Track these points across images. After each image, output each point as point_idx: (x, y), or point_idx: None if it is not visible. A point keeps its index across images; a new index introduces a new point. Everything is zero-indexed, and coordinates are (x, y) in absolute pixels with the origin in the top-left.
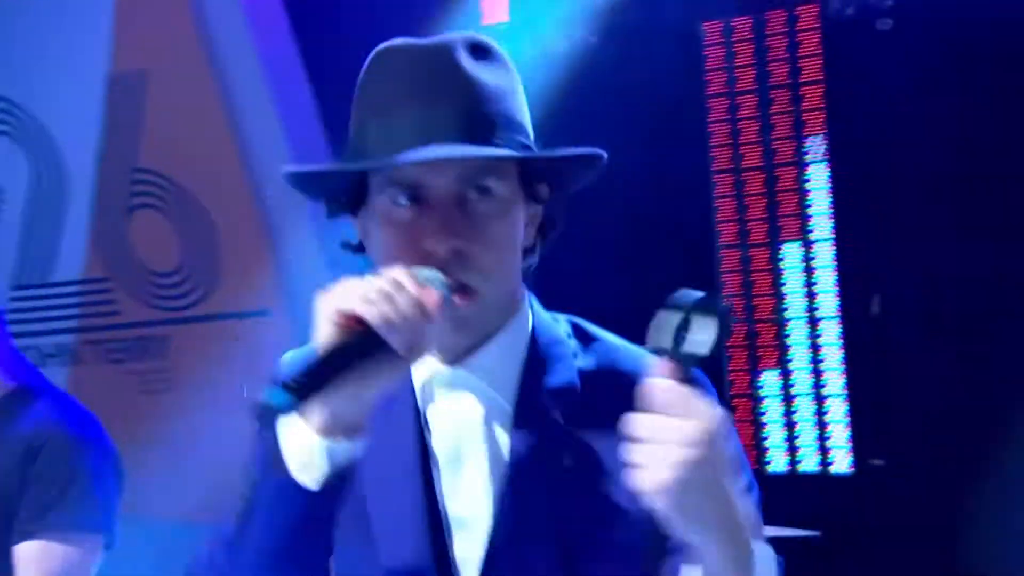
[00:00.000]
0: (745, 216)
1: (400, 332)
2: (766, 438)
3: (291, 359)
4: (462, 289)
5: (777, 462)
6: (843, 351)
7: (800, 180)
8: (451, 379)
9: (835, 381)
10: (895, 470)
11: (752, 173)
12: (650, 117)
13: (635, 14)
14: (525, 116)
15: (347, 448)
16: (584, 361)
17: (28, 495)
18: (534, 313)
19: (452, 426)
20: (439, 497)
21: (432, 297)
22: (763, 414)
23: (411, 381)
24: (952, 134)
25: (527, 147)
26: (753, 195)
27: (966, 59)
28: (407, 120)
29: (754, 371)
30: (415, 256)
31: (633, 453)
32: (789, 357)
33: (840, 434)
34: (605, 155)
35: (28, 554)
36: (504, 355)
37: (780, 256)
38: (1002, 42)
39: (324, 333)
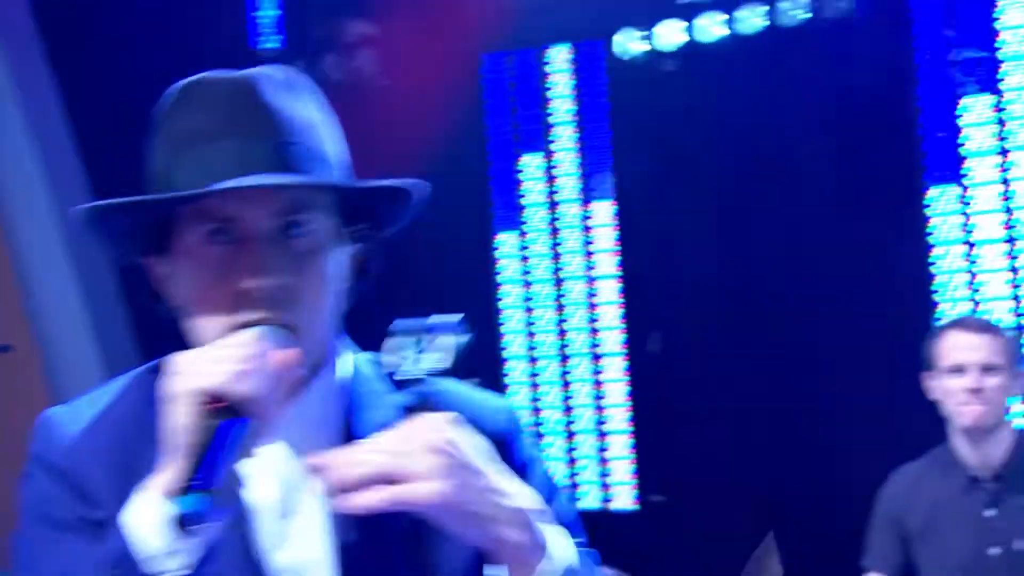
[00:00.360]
0: (528, 251)
1: (265, 402)
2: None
3: (65, 415)
4: (287, 329)
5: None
6: (629, 387)
7: (583, 216)
8: (272, 444)
9: (619, 418)
10: (675, 506)
11: (535, 209)
12: (433, 147)
13: (418, 44)
14: (338, 150)
15: (197, 539)
16: (403, 400)
17: None
18: (351, 354)
19: (275, 477)
20: (264, 551)
21: (291, 356)
22: (543, 451)
23: None
24: (729, 171)
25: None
26: (536, 231)
27: (748, 99)
28: (218, 153)
29: (535, 409)
30: (230, 296)
31: (392, 471)
32: (571, 394)
33: (623, 471)
34: (411, 189)
35: None
36: (325, 400)
37: (562, 292)
38: (777, 85)
39: (185, 419)
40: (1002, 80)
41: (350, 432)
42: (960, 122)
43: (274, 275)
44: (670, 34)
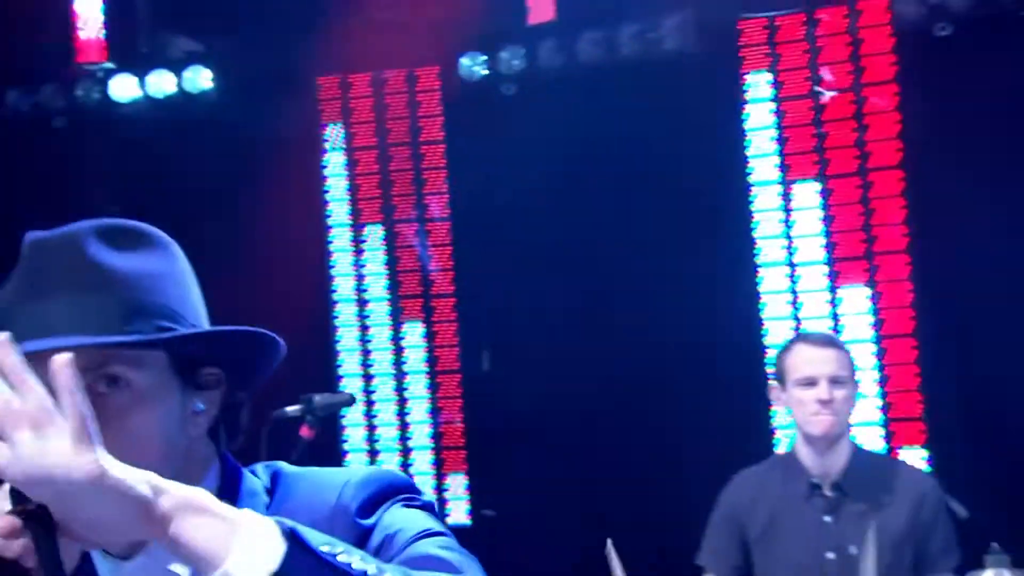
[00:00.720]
0: (364, 270)
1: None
2: None
3: None
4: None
5: None
6: (462, 402)
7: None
8: (134, 571)
9: (454, 435)
10: (506, 520)
11: (373, 227)
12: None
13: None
14: (175, 298)
15: None
16: (275, 506)
17: None
18: (221, 485)
19: None
20: None
21: (9, 523)
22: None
23: None
24: (565, 195)
25: (169, 330)
26: (373, 249)
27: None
28: (25, 315)
29: (371, 426)
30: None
31: None
32: (408, 410)
33: (458, 486)
34: (247, 332)
35: None
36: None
37: (399, 309)
38: (616, 114)
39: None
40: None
41: None
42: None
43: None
44: (511, 59)
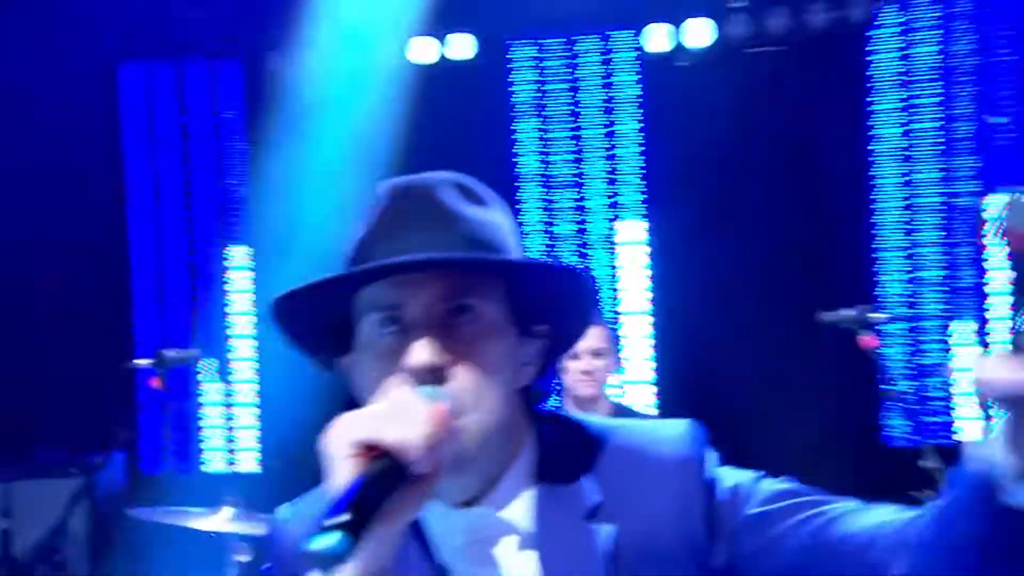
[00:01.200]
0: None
1: (419, 450)
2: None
3: (297, 511)
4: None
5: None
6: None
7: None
8: (467, 524)
9: (246, 393)
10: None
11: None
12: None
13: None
14: (514, 247)
15: None
16: (598, 469)
17: None
18: (541, 441)
19: (480, 569)
20: None
21: (441, 409)
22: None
23: (422, 534)
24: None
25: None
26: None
27: None
28: (387, 243)
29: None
30: (398, 378)
31: None
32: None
33: (249, 438)
34: (581, 272)
35: None
36: (513, 491)
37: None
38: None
39: (343, 469)
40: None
41: (547, 522)
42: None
43: (436, 355)
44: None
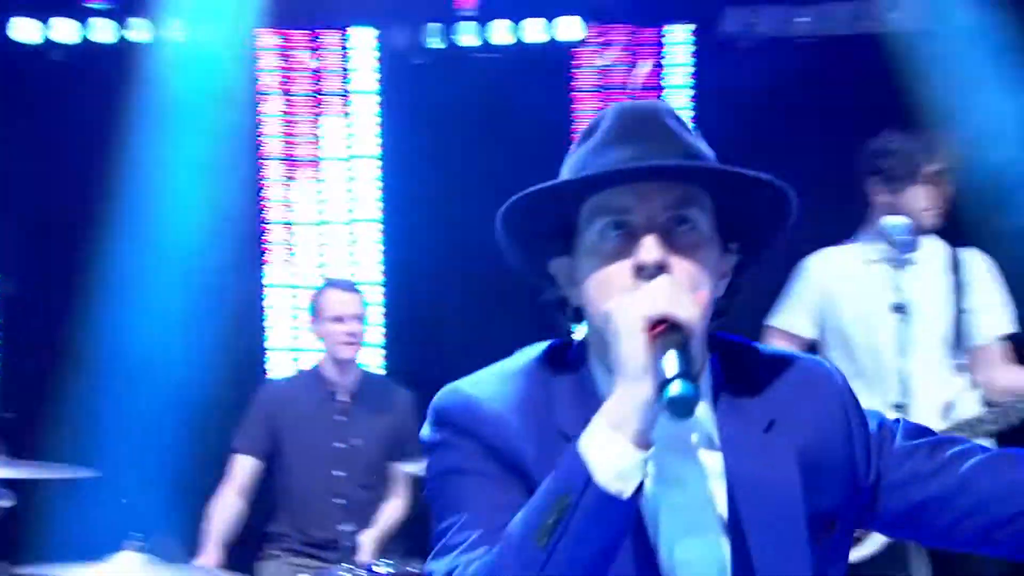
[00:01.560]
0: None
1: (700, 326)
2: None
3: (476, 385)
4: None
5: None
6: None
7: None
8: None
9: None
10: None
11: None
12: None
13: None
14: (706, 152)
15: (647, 460)
16: (769, 390)
17: None
18: (718, 357)
19: (670, 475)
20: (651, 532)
21: (704, 295)
22: None
23: None
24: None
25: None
26: None
27: None
28: (620, 152)
29: None
30: (625, 280)
31: None
32: None
33: None
34: (786, 189)
35: None
36: (704, 392)
37: None
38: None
39: (637, 339)
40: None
41: (728, 415)
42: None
43: (662, 252)
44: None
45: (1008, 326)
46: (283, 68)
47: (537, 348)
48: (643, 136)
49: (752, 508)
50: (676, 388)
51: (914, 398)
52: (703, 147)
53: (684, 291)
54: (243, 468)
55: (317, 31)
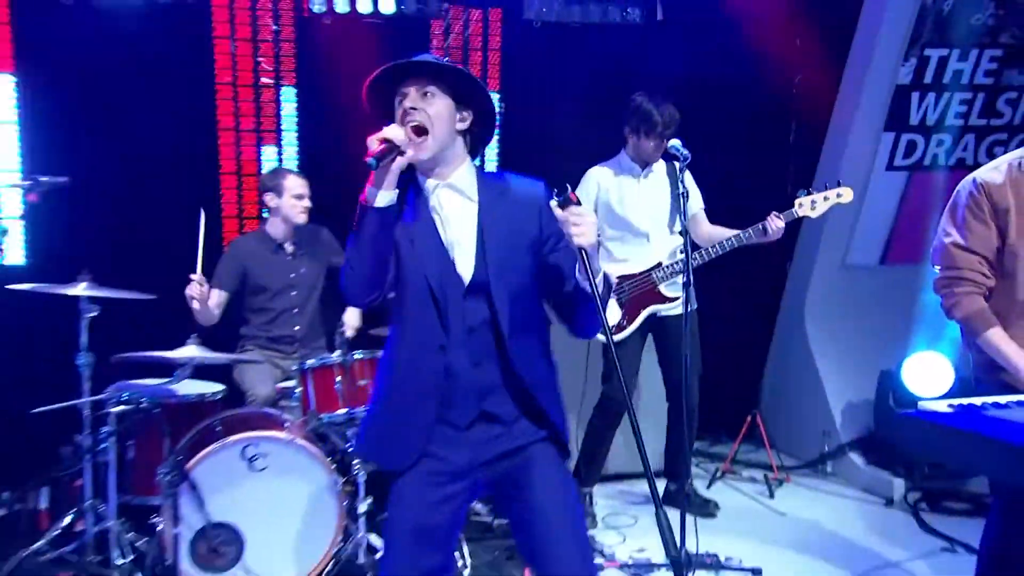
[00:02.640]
0: None
1: (402, 141)
2: None
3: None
4: (418, 128)
5: None
6: None
7: None
8: (445, 189)
9: None
10: None
11: None
12: None
13: None
14: (452, 67)
15: (394, 195)
16: (498, 181)
17: None
18: (477, 167)
19: (451, 210)
20: (444, 237)
21: (410, 129)
22: None
23: (426, 189)
24: None
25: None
26: None
27: None
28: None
29: None
30: (402, 115)
31: (571, 225)
32: None
33: None
34: (478, 79)
35: None
36: (465, 178)
37: None
38: None
39: (373, 146)
40: None
41: (483, 192)
42: None
43: (415, 105)
44: None
45: (701, 203)
46: None
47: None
48: (412, 56)
49: (491, 228)
50: (371, 161)
51: (654, 248)
52: (445, 62)
53: (395, 129)
54: (218, 298)
55: None
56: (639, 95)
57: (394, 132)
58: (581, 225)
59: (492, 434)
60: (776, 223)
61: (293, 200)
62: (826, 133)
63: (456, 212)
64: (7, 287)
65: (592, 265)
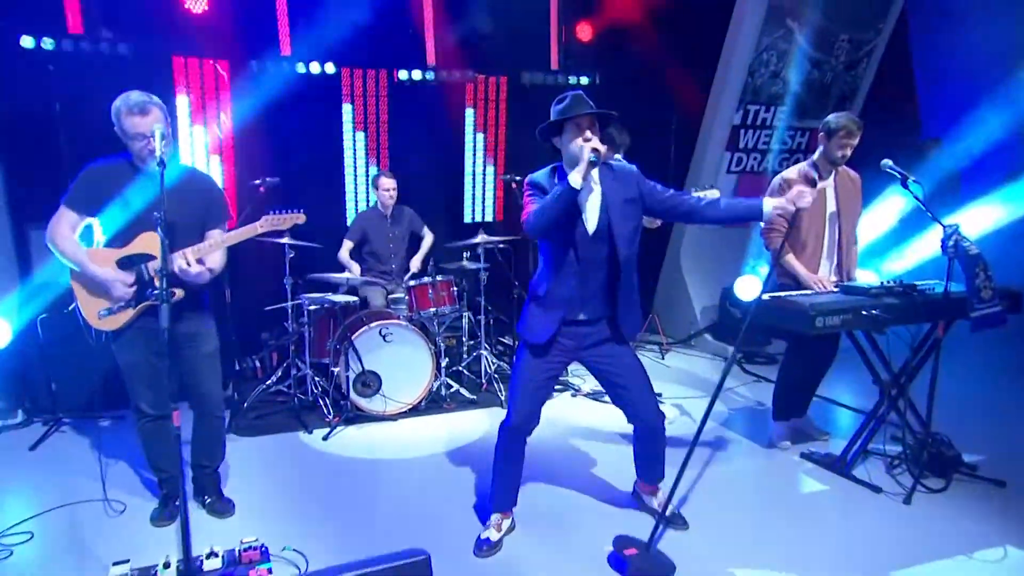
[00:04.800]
0: None
1: (601, 154)
2: None
3: (535, 176)
4: (596, 151)
5: None
6: None
7: None
8: (588, 185)
9: None
10: None
11: None
12: None
13: None
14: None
15: (584, 182)
16: (612, 169)
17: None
18: (600, 163)
19: (589, 193)
20: (583, 210)
21: (604, 147)
22: None
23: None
24: None
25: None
26: None
27: None
28: (577, 107)
29: None
30: (583, 140)
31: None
32: None
33: None
34: (615, 114)
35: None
36: (595, 172)
37: None
38: None
39: (587, 152)
40: None
41: (607, 186)
42: None
43: (592, 134)
44: None
45: None
46: None
47: (552, 165)
48: (582, 101)
49: (610, 197)
50: (591, 157)
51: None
52: (591, 103)
53: (600, 145)
54: (348, 245)
55: None
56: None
57: (600, 146)
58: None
59: (592, 330)
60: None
61: (383, 193)
62: (693, 151)
63: (590, 191)
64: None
65: None
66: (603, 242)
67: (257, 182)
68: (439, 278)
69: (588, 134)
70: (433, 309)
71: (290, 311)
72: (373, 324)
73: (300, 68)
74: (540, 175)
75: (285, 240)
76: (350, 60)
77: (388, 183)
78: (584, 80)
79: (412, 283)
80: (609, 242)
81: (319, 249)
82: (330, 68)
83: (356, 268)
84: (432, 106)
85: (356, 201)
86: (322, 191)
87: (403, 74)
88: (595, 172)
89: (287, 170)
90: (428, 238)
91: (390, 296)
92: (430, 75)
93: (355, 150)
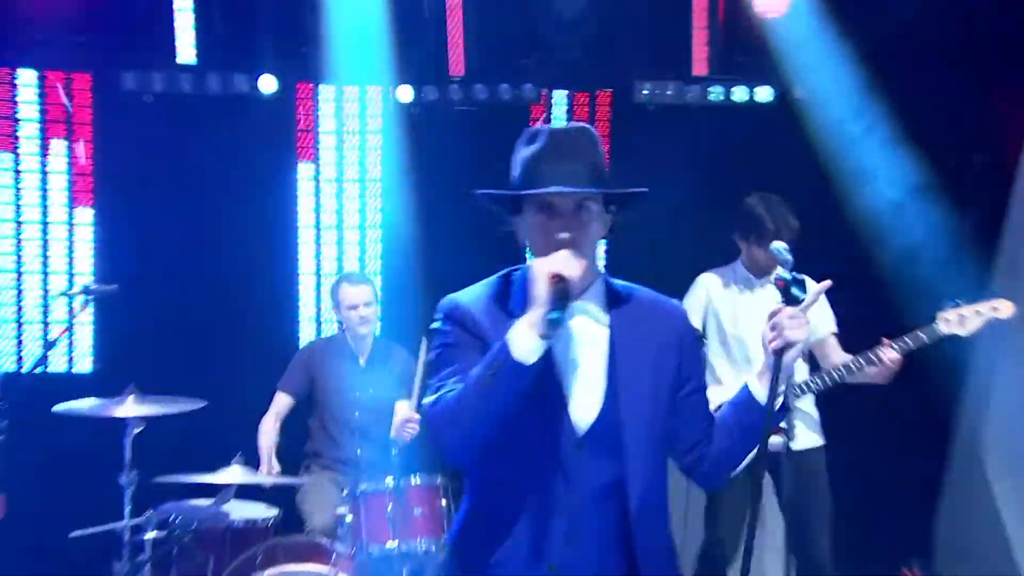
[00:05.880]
0: None
1: (575, 279)
2: None
3: (466, 296)
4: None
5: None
6: None
7: None
8: (573, 312)
9: None
10: None
11: None
12: None
13: None
14: (605, 168)
15: (546, 344)
16: (631, 297)
17: None
18: (605, 276)
19: (578, 335)
20: (559, 371)
21: (585, 265)
22: None
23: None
24: None
25: (605, 184)
26: None
27: None
28: (553, 166)
29: None
30: (551, 241)
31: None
32: None
33: None
34: (646, 191)
35: None
36: (596, 297)
37: None
38: None
39: (544, 284)
40: None
41: (613, 314)
42: None
43: (571, 232)
44: None
45: (833, 326)
46: None
47: (502, 272)
48: (566, 157)
49: (626, 360)
50: (554, 315)
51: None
52: (599, 159)
53: (573, 259)
54: (282, 402)
55: None
56: (753, 197)
57: (569, 265)
58: (796, 318)
59: None
60: (888, 353)
61: (348, 313)
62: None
63: (582, 338)
64: (53, 409)
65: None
66: (605, 451)
67: (71, 292)
68: (416, 481)
69: (563, 235)
70: (395, 543)
71: (126, 539)
72: (269, 572)
73: (213, 82)
74: (474, 294)
75: (128, 405)
76: (306, 70)
77: (356, 294)
78: (761, 93)
79: (364, 487)
80: (617, 450)
81: (209, 415)
82: (269, 83)
83: (269, 453)
84: (461, 142)
85: (317, 308)
86: (246, 291)
87: (405, 92)
88: (590, 303)
89: (187, 237)
90: None
91: (339, 512)
92: (455, 91)
93: (318, 213)
